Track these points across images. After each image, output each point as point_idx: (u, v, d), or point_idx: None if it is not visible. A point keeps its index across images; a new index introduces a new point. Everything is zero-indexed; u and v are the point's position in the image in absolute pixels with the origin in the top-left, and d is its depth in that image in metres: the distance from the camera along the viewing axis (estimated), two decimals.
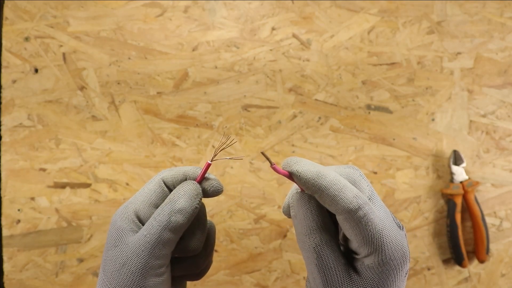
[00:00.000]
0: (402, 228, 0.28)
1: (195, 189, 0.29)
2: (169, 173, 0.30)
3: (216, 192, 0.30)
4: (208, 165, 0.30)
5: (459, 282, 0.63)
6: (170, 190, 0.30)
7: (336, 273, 0.25)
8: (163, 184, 0.30)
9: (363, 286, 0.25)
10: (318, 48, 0.65)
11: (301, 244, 0.27)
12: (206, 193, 0.30)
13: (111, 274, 0.27)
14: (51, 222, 0.61)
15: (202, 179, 0.30)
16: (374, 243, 0.25)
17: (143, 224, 0.29)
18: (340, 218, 0.26)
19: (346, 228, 0.26)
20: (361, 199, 0.26)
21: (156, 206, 0.30)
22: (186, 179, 0.30)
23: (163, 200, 0.30)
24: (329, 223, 0.27)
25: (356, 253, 0.27)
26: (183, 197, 0.28)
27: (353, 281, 0.25)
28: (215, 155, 0.30)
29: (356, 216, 0.26)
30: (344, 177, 0.28)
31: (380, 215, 0.26)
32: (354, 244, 0.26)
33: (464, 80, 0.65)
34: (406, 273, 0.27)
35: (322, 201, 0.26)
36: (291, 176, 0.27)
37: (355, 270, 0.26)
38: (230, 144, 0.31)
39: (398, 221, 0.29)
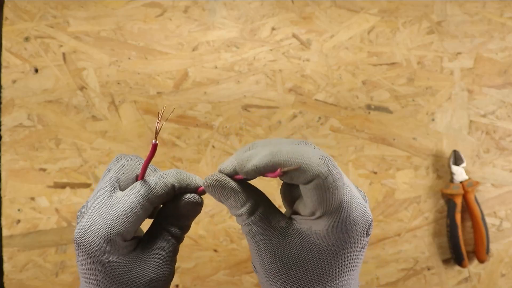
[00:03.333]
0: (366, 199, 0.28)
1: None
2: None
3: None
4: (155, 146, 0.27)
5: (459, 282, 0.63)
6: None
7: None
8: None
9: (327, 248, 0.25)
10: (318, 48, 0.65)
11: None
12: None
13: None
14: (51, 222, 0.61)
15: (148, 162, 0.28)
16: (342, 205, 0.25)
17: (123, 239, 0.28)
18: (307, 187, 0.24)
19: (311, 196, 0.24)
20: (328, 159, 0.24)
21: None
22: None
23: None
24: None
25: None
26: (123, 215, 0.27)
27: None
28: (156, 135, 0.27)
29: (326, 182, 0.23)
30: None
31: (346, 181, 0.26)
32: (317, 212, 0.25)
33: (464, 80, 0.65)
34: (364, 246, 0.26)
35: (289, 177, 0.24)
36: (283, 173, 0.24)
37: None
38: (159, 120, 0.28)
39: (363, 192, 0.28)
